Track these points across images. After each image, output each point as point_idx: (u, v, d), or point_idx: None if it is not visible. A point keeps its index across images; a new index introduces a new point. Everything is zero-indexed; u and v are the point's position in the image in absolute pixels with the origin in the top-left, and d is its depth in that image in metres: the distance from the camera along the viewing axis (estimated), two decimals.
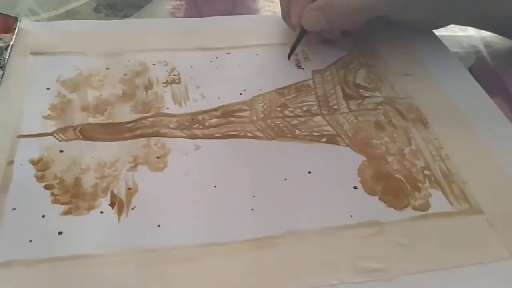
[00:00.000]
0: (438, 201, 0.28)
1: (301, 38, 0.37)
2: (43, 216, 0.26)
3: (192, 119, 0.32)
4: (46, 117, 0.31)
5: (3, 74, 0.34)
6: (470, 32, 0.43)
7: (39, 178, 0.27)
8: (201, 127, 0.32)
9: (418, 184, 0.29)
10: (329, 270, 0.24)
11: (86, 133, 0.31)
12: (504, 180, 0.29)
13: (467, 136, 0.32)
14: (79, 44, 0.38)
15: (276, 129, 0.32)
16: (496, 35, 0.43)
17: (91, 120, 0.31)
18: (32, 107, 0.32)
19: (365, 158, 0.30)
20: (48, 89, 0.34)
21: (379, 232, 0.26)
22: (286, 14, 0.39)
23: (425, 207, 0.27)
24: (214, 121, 0.32)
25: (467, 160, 0.30)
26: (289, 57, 0.37)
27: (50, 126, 0.31)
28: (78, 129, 0.31)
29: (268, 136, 0.31)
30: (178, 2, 0.44)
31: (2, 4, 0.42)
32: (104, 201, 0.27)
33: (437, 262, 0.25)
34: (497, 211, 0.27)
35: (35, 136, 0.30)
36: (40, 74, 0.35)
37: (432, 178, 0.29)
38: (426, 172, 0.29)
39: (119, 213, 0.26)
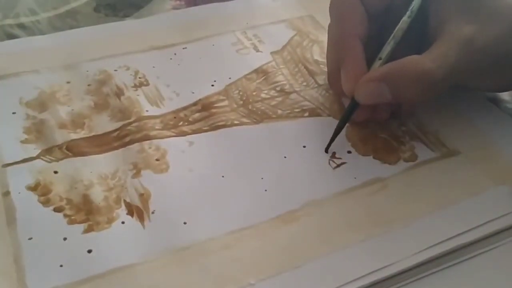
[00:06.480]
0: (421, 151, 0.31)
1: (350, 115, 0.31)
2: (65, 239, 0.25)
3: (175, 117, 0.32)
4: (24, 141, 0.30)
5: None
6: None
7: (45, 203, 0.27)
8: (186, 123, 0.32)
9: (401, 139, 0.31)
10: (354, 229, 0.26)
11: (74, 149, 0.30)
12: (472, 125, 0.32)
13: None
14: (29, 62, 0.36)
15: (259, 112, 0.33)
16: None
17: (73, 136, 0.31)
18: (5, 135, 0.30)
19: (348, 125, 0.32)
20: (14, 113, 0.32)
21: (384, 187, 0.28)
22: (333, 80, 0.33)
23: (413, 157, 0.30)
24: (197, 115, 0.33)
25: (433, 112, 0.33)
26: (327, 149, 0.30)
27: (33, 149, 0.30)
28: (64, 147, 0.30)
29: (254, 120, 0.32)
30: (178, 2, 0.44)
31: (2, 4, 0.40)
32: (121, 212, 0.26)
33: (435, 202, 0.27)
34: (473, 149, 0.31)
35: (21, 163, 0.29)
36: None
37: (409, 132, 0.32)
38: (403, 128, 0.32)
39: (141, 219, 0.26)
